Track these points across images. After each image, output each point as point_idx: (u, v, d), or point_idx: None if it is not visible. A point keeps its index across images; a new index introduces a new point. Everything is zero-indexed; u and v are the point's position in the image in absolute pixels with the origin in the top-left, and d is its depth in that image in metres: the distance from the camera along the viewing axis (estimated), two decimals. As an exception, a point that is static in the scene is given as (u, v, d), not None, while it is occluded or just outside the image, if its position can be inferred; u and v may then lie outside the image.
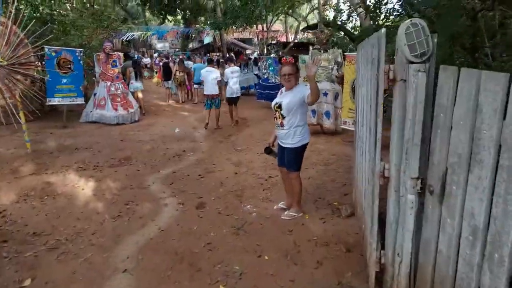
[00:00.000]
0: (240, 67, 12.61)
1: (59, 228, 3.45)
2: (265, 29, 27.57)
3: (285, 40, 26.70)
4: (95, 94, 8.95)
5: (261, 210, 3.72)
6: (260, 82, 11.10)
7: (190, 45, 34.74)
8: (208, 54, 24.22)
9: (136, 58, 15.83)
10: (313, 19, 33.70)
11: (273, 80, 10.75)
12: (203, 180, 4.77)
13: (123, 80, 9.06)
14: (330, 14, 24.19)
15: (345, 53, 5.72)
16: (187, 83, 12.31)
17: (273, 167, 5.16)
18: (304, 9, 31.41)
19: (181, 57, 16.84)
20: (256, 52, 26.64)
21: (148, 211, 3.84)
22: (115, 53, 9.00)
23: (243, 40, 32.28)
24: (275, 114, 3.54)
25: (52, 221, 3.60)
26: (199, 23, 18.09)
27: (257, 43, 33.23)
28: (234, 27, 13.50)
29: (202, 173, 5.05)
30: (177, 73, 11.67)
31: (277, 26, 34.62)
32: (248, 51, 28.26)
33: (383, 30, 2.11)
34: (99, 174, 5.11)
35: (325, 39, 6.32)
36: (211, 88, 7.87)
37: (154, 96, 13.81)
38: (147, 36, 21.81)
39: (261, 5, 11.38)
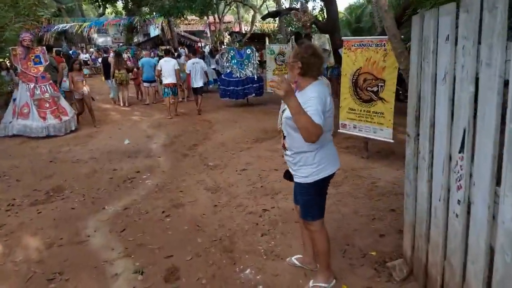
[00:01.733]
0: (203, 59, 11.15)
1: None
2: (217, 20, 25.96)
3: (238, 31, 25.31)
4: (14, 100, 6.96)
5: (270, 278, 2.43)
6: (223, 77, 9.70)
7: (135, 39, 31.96)
8: (156, 48, 22.09)
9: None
10: (265, 10, 32.67)
11: (238, 75, 9.41)
12: (170, 221, 3.36)
13: (51, 81, 7.15)
14: (285, 3, 23.29)
15: (342, 38, 4.57)
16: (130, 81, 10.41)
17: (264, 191, 3.89)
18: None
19: (115, 50, 14.53)
20: (208, 45, 24.96)
21: (87, 293, 2.38)
22: (38, 47, 7.06)
23: (193, 33, 30.31)
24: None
25: None
26: (143, 14, 16.00)
27: (209, 35, 31.50)
28: (186, 15, 11.82)
29: (167, 208, 3.62)
30: (116, 71, 9.73)
31: (229, 17, 33.11)
32: (199, 44, 26.46)
33: None
34: (11, 221, 3.48)
35: (309, 21, 5.13)
36: (171, 78, 8.30)
37: (96, 97, 11.77)
38: (84, 29, 19.11)
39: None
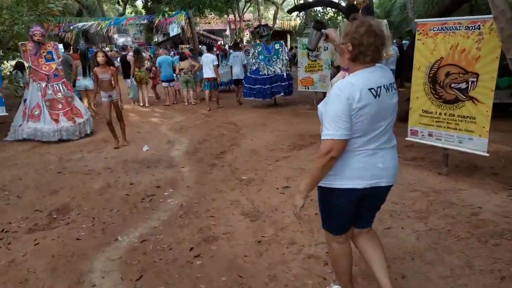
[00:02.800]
0: (217, 58, 10.39)
1: None
2: (237, 18, 25.23)
3: (265, 24, 24.47)
4: (25, 101, 6.33)
5: None
6: (248, 74, 8.84)
7: (155, 39, 31.66)
8: (175, 47, 21.50)
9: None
10: (286, 6, 31.68)
11: (266, 72, 8.54)
12: (201, 264, 2.51)
13: (64, 80, 6.47)
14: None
15: (415, 21, 3.60)
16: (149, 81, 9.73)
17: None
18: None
19: (136, 46, 13.89)
20: (227, 44, 24.23)
21: None
22: (50, 42, 6.40)
23: (212, 32, 29.64)
24: None
25: None
26: (162, 11, 15.43)
27: (228, 34, 30.82)
28: (206, 9, 11.10)
29: (196, 243, 2.78)
30: (136, 69, 9.09)
31: (248, 15, 32.34)
32: (219, 42, 25.79)
33: None
34: (0, 257, 2.72)
35: (363, 3, 4.18)
36: (210, 72, 8.68)
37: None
38: (105, 28, 18.67)
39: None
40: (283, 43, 9.00)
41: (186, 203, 3.57)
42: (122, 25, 29.56)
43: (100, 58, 5.33)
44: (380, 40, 1.57)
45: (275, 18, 20.92)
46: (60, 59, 6.42)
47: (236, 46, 10.64)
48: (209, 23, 30.84)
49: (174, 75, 9.66)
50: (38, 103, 6.18)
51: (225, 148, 5.50)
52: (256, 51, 8.69)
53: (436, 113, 3.52)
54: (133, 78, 9.30)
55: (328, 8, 17.48)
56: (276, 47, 8.62)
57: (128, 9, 29.45)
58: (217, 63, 9.14)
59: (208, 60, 8.74)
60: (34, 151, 5.68)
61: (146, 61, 9.89)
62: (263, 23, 13.25)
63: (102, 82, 5.43)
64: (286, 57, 8.81)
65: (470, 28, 3.15)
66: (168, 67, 9.49)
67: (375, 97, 1.54)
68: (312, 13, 17.48)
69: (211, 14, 30.05)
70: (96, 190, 4.00)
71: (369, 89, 1.53)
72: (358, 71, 1.59)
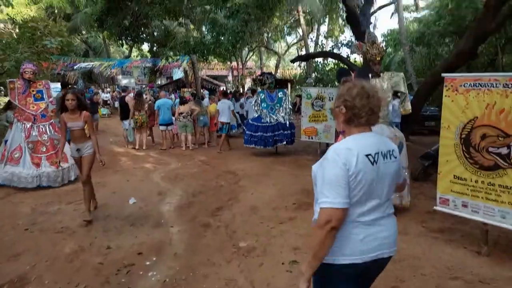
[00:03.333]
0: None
1: None
2: (239, 65, 25.77)
3: (269, 72, 24.85)
4: (5, 142, 5.83)
5: None
6: (250, 121, 8.48)
7: (158, 81, 32.15)
8: (177, 91, 21.59)
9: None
10: (288, 56, 32.65)
11: (268, 120, 8.19)
12: None
13: (53, 121, 6.02)
14: (310, 48, 22.81)
15: (442, 75, 3.21)
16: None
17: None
18: (278, 46, 30.31)
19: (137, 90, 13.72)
20: (229, 90, 24.48)
21: None
22: (41, 80, 6.04)
23: (215, 77, 30.16)
24: None
25: None
26: (167, 55, 15.64)
27: (230, 80, 31.38)
28: (210, 55, 11.08)
29: None
30: (136, 113, 8.76)
31: (250, 63, 33.19)
32: (222, 88, 26.10)
33: None
34: None
35: (379, 55, 3.86)
36: (226, 117, 8.97)
37: (109, 139, 10.74)
38: (108, 69, 18.79)
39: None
40: (287, 92, 8.76)
41: (171, 279, 2.92)
42: (126, 67, 30.09)
43: (70, 102, 3.93)
44: (374, 101, 1.53)
45: (277, 67, 21.28)
46: (51, 99, 6.01)
47: (224, 95, 10.70)
48: (212, 68, 31.57)
49: (173, 118, 9.30)
50: (20, 145, 5.66)
51: (222, 203, 4.90)
52: (259, 98, 8.41)
53: (471, 181, 3.01)
54: (131, 120, 8.91)
55: (329, 59, 17.77)
56: (280, 95, 8.36)
57: (134, 52, 30.19)
58: (233, 108, 9.61)
59: (224, 106, 9.00)
60: (6, 200, 5.06)
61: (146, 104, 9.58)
62: (266, 71, 13.25)
63: (72, 132, 4.08)
64: (289, 106, 8.52)
65: (510, 86, 2.75)
66: (167, 110, 9.15)
67: (372, 164, 1.47)
68: (313, 64, 17.73)
69: (214, 60, 30.91)
70: (65, 255, 3.34)
71: (366, 155, 1.47)
72: (354, 135, 1.55)
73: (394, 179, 1.57)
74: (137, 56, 29.65)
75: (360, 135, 1.53)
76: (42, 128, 5.81)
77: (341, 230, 1.46)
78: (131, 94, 11.19)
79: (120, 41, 10.45)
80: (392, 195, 1.62)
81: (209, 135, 9.99)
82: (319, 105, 7.87)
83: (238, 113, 11.76)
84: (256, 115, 8.39)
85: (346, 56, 11.56)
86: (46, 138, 5.79)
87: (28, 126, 5.71)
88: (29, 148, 5.64)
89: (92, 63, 16.23)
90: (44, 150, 5.73)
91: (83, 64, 16.27)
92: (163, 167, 7.23)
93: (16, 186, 5.46)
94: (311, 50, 20.57)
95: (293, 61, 12.45)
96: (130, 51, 28.99)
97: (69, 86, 8.80)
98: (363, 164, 1.44)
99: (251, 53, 27.02)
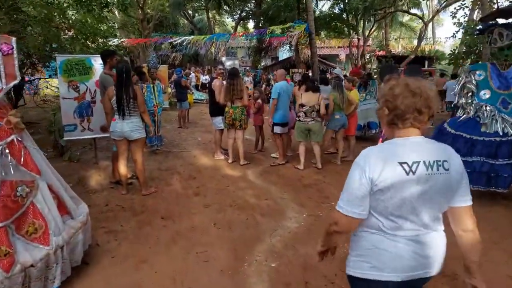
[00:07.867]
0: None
1: None
2: (360, 42, 20.70)
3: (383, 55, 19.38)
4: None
5: None
6: (455, 130, 4.21)
7: (263, 62, 29.33)
8: (287, 73, 18.13)
9: (175, 72, 10.32)
10: (438, 24, 25.83)
11: (495, 129, 3.78)
12: None
13: (23, 135, 3.41)
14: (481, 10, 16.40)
15: None
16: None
17: None
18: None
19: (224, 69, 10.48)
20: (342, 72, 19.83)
21: None
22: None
23: (324, 57, 25.55)
24: None
25: None
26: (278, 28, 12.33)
27: (343, 59, 26.48)
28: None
29: None
30: (228, 104, 5.39)
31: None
32: (334, 70, 21.61)
33: None
34: None
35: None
36: None
37: (198, 138, 7.76)
38: (215, 49, 16.27)
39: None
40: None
41: None
42: (231, 48, 27.98)
43: None
44: (421, 100, 1.31)
45: (420, 38, 15.46)
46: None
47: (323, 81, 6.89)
48: (322, 47, 27.09)
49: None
50: None
51: None
52: (473, 80, 4.06)
53: None
54: (223, 118, 5.62)
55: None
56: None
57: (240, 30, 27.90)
58: None
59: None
60: None
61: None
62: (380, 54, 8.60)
63: None
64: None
65: None
66: (288, 100, 5.56)
67: (407, 173, 1.27)
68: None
69: (327, 37, 26.30)
70: None
71: (400, 163, 1.28)
72: (395, 139, 1.38)
73: (443, 194, 1.32)
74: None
75: (400, 140, 1.36)
76: None
77: (376, 242, 1.36)
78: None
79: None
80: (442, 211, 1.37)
81: (348, 144, 6.10)
82: None
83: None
84: (465, 116, 4.09)
85: None
86: None
87: None
88: None
89: (182, 37, 13.69)
90: None
91: (177, 39, 13.91)
92: (282, 221, 3.64)
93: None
94: (481, 13, 13.93)
95: (482, 20, 7.26)
96: (236, 29, 26.63)
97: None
98: (392, 173, 1.27)
99: (376, 24, 21.60)
